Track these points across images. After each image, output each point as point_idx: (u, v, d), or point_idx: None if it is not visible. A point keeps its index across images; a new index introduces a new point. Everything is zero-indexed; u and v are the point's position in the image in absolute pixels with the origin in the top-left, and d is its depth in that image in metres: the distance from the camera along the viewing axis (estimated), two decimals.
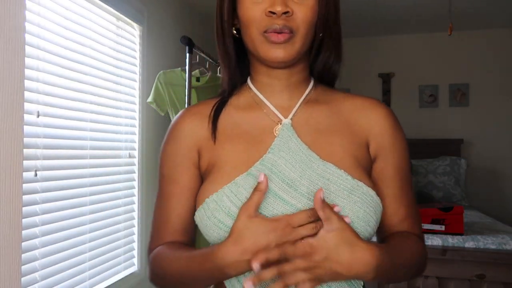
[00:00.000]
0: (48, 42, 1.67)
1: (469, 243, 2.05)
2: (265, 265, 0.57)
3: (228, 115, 0.74)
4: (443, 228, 2.14)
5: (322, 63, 0.74)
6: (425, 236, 2.11)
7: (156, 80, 2.42)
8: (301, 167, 0.66)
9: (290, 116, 0.71)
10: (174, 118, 0.78)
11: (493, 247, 2.02)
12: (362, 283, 0.69)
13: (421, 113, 3.89)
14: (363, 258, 0.58)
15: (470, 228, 2.28)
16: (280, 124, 0.71)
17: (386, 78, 3.96)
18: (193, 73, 2.51)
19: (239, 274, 0.62)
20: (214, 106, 0.75)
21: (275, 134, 0.70)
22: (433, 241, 2.09)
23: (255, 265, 0.56)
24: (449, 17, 2.73)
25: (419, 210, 0.76)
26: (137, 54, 2.41)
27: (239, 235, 0.60)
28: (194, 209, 0.71)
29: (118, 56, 2.21)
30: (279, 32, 0.65)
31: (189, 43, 2.35)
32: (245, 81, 0.77)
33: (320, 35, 0.72)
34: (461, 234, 2.12)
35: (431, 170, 3.50)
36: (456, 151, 3.70)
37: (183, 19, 3.03)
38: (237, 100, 0.76)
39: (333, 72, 0.75)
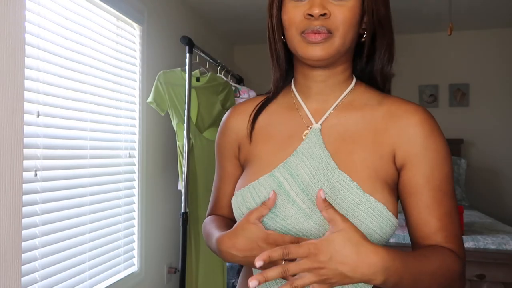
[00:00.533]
0: (48, 42, 1.67)
1: (469, 243, 2.05)
2: (269, 264, 0.60)
3: (268, 115, 0.80)
4: None
5: (380, 64, 0.76)
6: None
7: (156, 80, 2.42)
8: (318, 174, 0.69)
9: (321, 121, 0.74)
10: (225, 114, 0.87)
11: (493, 247, 2.02)
12: None
13: None
14: (368, 259, 0.57)
15: (470, 228, 2.28)
16: (310, 128, 0.74)
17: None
18: (193, 73, 2.51)
19: (229, 261, 0.71)
20: (256, 107, 0.82)
21: (303, 138, 0.74)
22: None
23: (258, 263, 0.57)
24: (449, 17, 2.73)
25: (459, 224, 0.71)
26: (137, 54, 2.41)
27: (235, 232, 0.69)
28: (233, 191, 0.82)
29: (118, 56, 2.21)
30: (317, 32, 0.68)
31: (189, 43, 2.35)
32: (289, 83, 0.82)
33: (364, 36, 0.74)
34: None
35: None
36: (456, 151, 3.70)
37: (183, 19, 3.03)
38: (279, 101, 0.81)
39: (386, 73, 0.77)
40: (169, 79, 2.45)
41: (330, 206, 0.62)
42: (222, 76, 2.71)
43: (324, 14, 0.67)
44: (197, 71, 2.60)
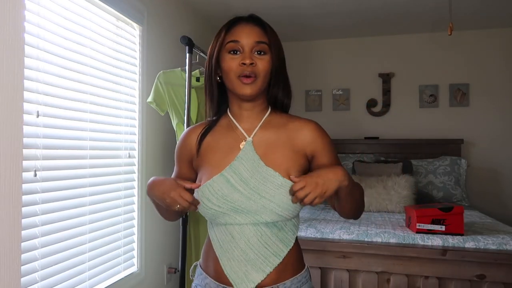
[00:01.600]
0: (48, 42, 1.67)
1: (470, 243, 2.05)
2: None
3: (213, 133, 1.12)
4: (443, 228, 2.14)
5: (274, 96, 1.11)
6: (425, 236, 2.12)
7: (156, 80, 2.42)
8: (252, 170, 1.03)
9: (252, 136, 1.08)
10: (183, 132, 1.18)
11: (493, 247, 2.02)
12: (292, 242, 1.05)
13: (421, 113, 3.89)
14: (337, 170, 0.97)
15: (470, 228, 2.28)
16: (245, 141, 1.08)
17: (386, 78, 3.96)
18: (193, 73, 2.51)
19: (149, 193, 1.05)
20: (202, 130, 1.14)
21: (241, 148, 1.07)
22: (433, 241, 2.09)
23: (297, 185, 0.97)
24: (449, 17, 2.73)
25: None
26: (137, 54, 2.41)
27: (162, 179, 1.04)
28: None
29: (118, 56, 2.21)
30: (248, 76, 1.03)
31: (189, 43, 2.35)
32: (225, 111, 1.15)
33: (272, 80, 1.09)
34: (461, 234, 2.12)
35: (431, 170, 3.50)
36: (456, 151, 3.70)
37: (183, 19, 3.03)
38: (220, 123, 1.14)
39: (283, 103, 1.12)
40: (169, 79, 2.45)
41: (299, 178, 0.96)
42: None
43: (252, 64, 1.02)
44: (197, 71, 2.60)
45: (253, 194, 1.00)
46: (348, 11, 3.33)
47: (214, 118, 1.15)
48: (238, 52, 1.04)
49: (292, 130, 1.09)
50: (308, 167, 1.09)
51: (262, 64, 1.04)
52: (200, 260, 1.15)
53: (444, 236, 2.11)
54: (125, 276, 2.23)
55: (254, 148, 1.06)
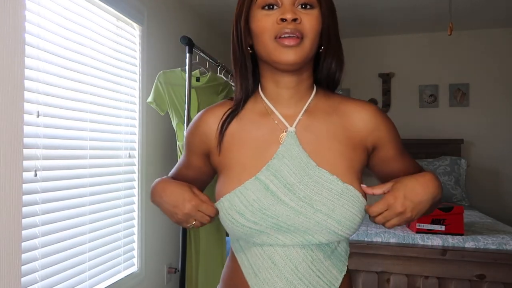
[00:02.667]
0: (48, 42, 1.67)
1: (469, 243, 2.05)
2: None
3: (239, 121, 0.84)
4: (443, 228, 2.14)
5: (327, 70, 0.84)
6: (425, 236, 2.12)
7: (156, 80, 2.42)
8: (300, 173, 0.77)
9: (294, 124, 0.81)
10: (197, 115, 0.91)
11: (493, 247, 2.02)
12: (345, 267, 0.82)
13: (421, 113, 3.89)
14: (428, 182, 0.75)
15: (470, 228, 2.28)
16: (286, 132, 0.80)
17: (386, 78, 3.96)
18: (193, 73, 2.51)
19: (154, 200, 0.83)
20: (224, 115, 0.85)
21: (280, 142, 0.80)
22: (433, 241, 2.09)
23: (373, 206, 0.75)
24: (449, 17, 2.73)
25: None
26: (137, 54, 2.41)
27: (171, 181, 0.81)
28: (193, 178, 0.91)
29: (118, 56, 2.21)
30: (291, 37, 0.74)
31: (189, 43, 2.35)
32: (255, 91, 0.87)
33: (322, 47, 0.81)
34: (461, 234, 2.12)
35: (431, 170, 3.50)
36: (456, 151, 3.70)
37: (183, 19, 3.03)
38: (249, 107, 0.86)
39: (335, 79, 0.85)
40: (169, 79, 2.45)
41: (374, 188, 0.76)
42: (222, 76, 2.71)
43: (295, 20, 0.74)
44: (197, 71, 2.60)
45: (304, 206, 0.74)
46: (347, 11, 3.32)
47: (241, 99, 0.85)
48: (274, 7, 0.76)
49: (347, 116, 0.83)
50: (367, 162, 0.86)
51: (310, 20, 0.75)
52: None
53: (444, 236, 2.11)
54: (125, 276, 2.23)
55: (300, 142, 0.79)
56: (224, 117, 0.85)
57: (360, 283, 2.15)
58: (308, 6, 0.76)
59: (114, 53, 2.17)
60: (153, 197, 0.84)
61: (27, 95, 1.52)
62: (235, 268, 0.83)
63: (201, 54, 2.50)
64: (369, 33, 3.92)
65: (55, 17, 1.71)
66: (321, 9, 0.77)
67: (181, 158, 0.95)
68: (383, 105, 3.97)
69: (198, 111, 2.55)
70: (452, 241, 2.07)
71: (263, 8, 0.77)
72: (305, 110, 0.82)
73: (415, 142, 3.78)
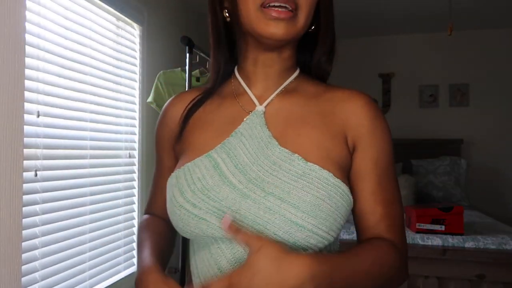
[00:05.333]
0: (48, 42, 1.67)
1: (469, 243, 2.05)
2: None
3: (209, 103, 0.75)
4: (443, 228, 2.14)
5: (316, 59, 0.73)
6: (425, 236, 2.12)
7: (156, 80, 2.42)
8: (256, 153, 0.65)
9: (264, 104, 0.70)
10: (166, 102, 0.81)
11: (493, 247, 2.02)
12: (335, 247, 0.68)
13: (421, 113, 3.89)
14: (292, 271, 0.52)
15: (470, 228, 2.28)
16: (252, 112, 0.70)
17: (386, 78, 3.96)
18: (193, 73, 2.51)
19: None
20: (191, 101, 0.76)
21: (244, 120, 0.69)
22: (433, 241, 2.09)
23: None
24: (449, 17, 2.73)
25: (402, 212, 0.70)
26: (137, 54, 2.41)
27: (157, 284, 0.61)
28: None
29: (118, 56, 2.21)
30: (281, 7, 0.61)
31: (189, 43, 2.35)
32: (231, 73, 0.77)
33: (312, 27, 0.70)
34: (461, 234, 2.12)
35: (431, 170, 3.50)
36: (456, 151, 3.70)
37: (183, 19, 3.03)
38: (221, 88, 0.76)
39: (322, 71, 0.75)
40: (169, 79, 2.45)
41: (239, 230, 0.57)
42: None
43: None
44: (197, 71, 2.60)
45: (253, 189, 0.62)
46: (348, 11, 3.32)
47: (216, 78, 0.76)
48: None
49: (330, 102, 0.70)
50: (350, 161, 0.68)
51: None
52: None
53: (444, 236, 2.11)
54: (125, 276, 2.23)
55: (266, 122, 0.68)
56: (192, 102, 0.75)
57: None
58: None
59: (114, 53, 2.17)
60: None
61: (27, 94, 1.52)
62: (189, 278, 0.70)
63: (201, 54, 2.50)
64: (369, 33, 3.92)
65: (55, 17, 1.71)
66: None
67: (155, 169, 0.83)
68: (383, 105, 3.97)
69: None
70: (452, 241, 2.07)
71: None
72: (280, 91, 0.71)
73: (415, 142, 3.78)
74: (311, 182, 0.60)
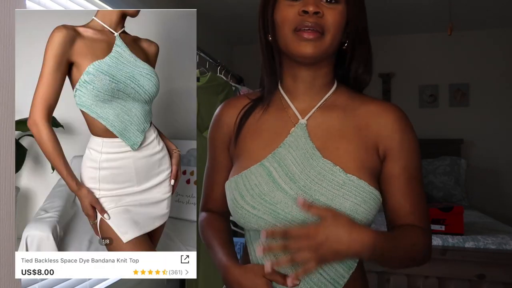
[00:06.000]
0: None
1: (469, 243, 2.05)
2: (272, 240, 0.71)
3: (257, 114, 0.86)
4: (443, 228, 2.14)
5: (354, 71, 0.84)
6: None
7: None
8: (304, 163, 0.77)
9: (306, 117, 0.81)
10: (218, 108, 0.93)
11: (493, 247, 2.02)
12: (355, 263, 0.79)
13: (421, 113, 3.89)
14: (359, 237, 0.68)
15: (470, 228, 2.28)
16: (297, 124, 0.81)
17: (386, 78, 3.96)
18: None
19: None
20: (244, 107, 0.87)
21: (290, 133, 0.81)
22: (433, 241, 2.09)
23: (262, 235, 0.70)
24: (449, 17, 2.73)
25: (426, 208, 0.83)
26: None
27: (244, 274, 0.76)
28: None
29: None
30: (310, 30, 0.74)
31: None
32: (276, 85, 0.87)
33: (345, 45, 0.81)
34: (461, 234, 2.12)
35: (431, 170, 3.50)
36: (456, 151, 3.70)
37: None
38: (268, 100, 0.87)
39: (361, 81, 0.86)
40: None
41: (311, 204, 0.71)
42: (222, 76, 2.70)
43: (317, 13, 0.73)
44: (197, 71, 2.60)
45: (303, 196, 0.74)
46: None
47: (262, 91, 0.88)
48: None
49: (365, 116, 0.81)
50: (381, 167, 0.81)
51: (333, 15, 0.75)
52: None
53: (444, 236, 2.11)
54: None
55: (309, 135, 0.79)
56: (243, 110, 0.87)
57: None
58: (333, 1, 0.75)
59: None
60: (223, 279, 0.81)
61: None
62: (246, 260, 0.84)
63: (201, 54, 2.49)
64: (369, 33, 3.91)
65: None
66: (347, 5, 0.77)
67: (207, 167, 0.95)
68: None
69: (198, 111, 2.55)
70: (452, 241, 2.07)
71: None
72: (320, 106, 0.82)
73: None
74: (350, 191, 0.74)
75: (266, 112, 0.85)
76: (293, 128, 0.81)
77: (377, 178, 0.80)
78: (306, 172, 0.76)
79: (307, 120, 0.81)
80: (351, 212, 0.73)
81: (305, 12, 0.73)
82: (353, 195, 0.73)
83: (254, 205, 0.75)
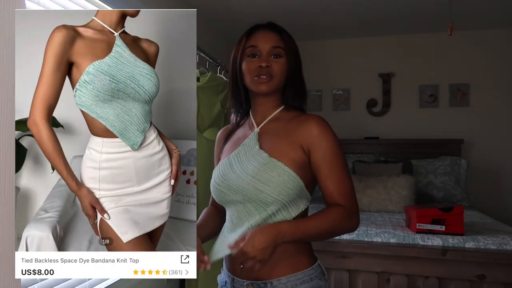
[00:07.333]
0: None
1: (470, 243, 2.05)
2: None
3: (236, 130, 1.26)
4: (443, 228, 2.14)
5: (288, 97, 1.19)
6: (426, 236, 2.12)
7: None
8: (250, 154, 1.13)
9: (259, 127, 1.19)
10: (219, 131, 1.34)
11: (493, 247, 2.02)
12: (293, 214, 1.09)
13: (421, 113, 3.89)
14: (270, 232, 1.01)
15: (471, 229, 2.28)
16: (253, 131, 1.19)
17: (386, 78, 3.96)
18: None
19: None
20: (227, 131, 1.30)
21: (248, 137, 1.18)
22: (433, 241, 2.09)
23: (229, 246, 1.04)
24: (449, 17, 2.73)
25: (350, 187, 1.10)
26: None
27: None
28: None
29: None
30: (264, 76, 1.13)
31: None
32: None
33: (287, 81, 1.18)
34: (461, 235, 2.12)
35: (431, 170, 3.50)
36: (456, 151, 3.70)
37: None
38: (244, 121, 1.27)
39: (296, 103, 1.20)
40: None
41: (236, 242, 1.02)
42: (222, 76, 2.71)
43: (268, 66, 1.13)
44: (197, 71, 2.60)
45: (244, 173, 1.10)
46: (348, 11, 3.33)
47: (239, 115, 1.27)
48: (256, 56, 1.15)
49: (295, 124, 1.15)
50: (307, 160, 1.12)
51: (277, 66, 1.14)
52: None
53: (444, 236, 2.11)
54: None
55: (258, 137, 1.16)
56: (228, 131, 1.30)
57: (360, 283, 2.15)
58: (278, 56, 1.15)
59: None
60: None
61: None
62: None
63: (201, 54, 2.50)
64: (369, 33, 3.92)
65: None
66: (287, 59, 1.16)
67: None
68: (383, 105, 3.97)
69: (198, 111, 2.55)
70: (452, 241, 2.08)
71: (248, 56, 1.15)
72: (269, 119, 1.19)
73: (415, 142, 3.78)
74: (270, 168, 1.07)
75: (241, 128, 1.25)
76: (250, 133, 1.18)
77: (302, 167, 1.09)
78: (250, 160, 1.12)
79: (259, 128, 1.18)
80: (270, 182, 1.06)
81: (260, 66, 1.12)
82: (270, 170, 1.07)
83: (219, 183, 1.13)
